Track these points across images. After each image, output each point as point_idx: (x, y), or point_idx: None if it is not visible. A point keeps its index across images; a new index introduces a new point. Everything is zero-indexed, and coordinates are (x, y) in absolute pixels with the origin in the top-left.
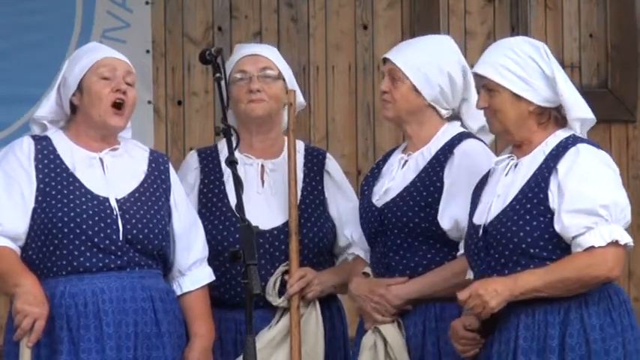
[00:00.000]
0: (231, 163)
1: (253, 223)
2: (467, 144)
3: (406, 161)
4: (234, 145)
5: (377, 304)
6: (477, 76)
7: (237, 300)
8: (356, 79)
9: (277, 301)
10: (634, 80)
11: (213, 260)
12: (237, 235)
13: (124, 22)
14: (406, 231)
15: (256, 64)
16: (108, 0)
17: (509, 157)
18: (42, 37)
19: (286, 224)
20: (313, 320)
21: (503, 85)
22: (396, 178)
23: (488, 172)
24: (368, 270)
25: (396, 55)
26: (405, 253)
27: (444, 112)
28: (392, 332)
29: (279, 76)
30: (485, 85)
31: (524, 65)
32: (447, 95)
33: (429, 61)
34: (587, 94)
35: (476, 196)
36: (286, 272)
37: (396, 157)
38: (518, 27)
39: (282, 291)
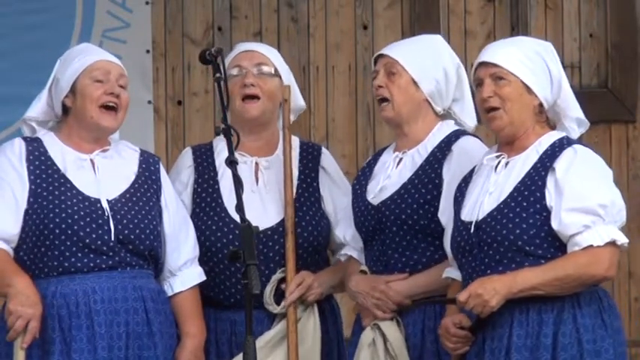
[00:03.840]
0: (232, 163)
1: None
2: (464, 141)
3: (401, 159)
4: (234, 145)
5: (378, 300)
6: (483, 66)
7: (232, 300)
8: (356, 80)
9: (277, 309)
10: (634, 80)
11: (207, 260)
12: (231, 236)
13: (124, 22)
14: (405, 228)
15: (252, 59)
16: (108, 0)
17: (499, 155)
18: (42, 37)
19: (280, 224)
20: (311, 323)
21: (516, 75)
22: (391, 176)
23: (472, 169)
24: (364, 268)
25: (392, 50)
26: (404, 250)
27: (438, 108)
28: (392, 329)
29: (276, 74)
30: (493, 75)
31: (534, 60)
32: (442, 91)
33: (424, 55)
34: (587, 94)
35: (460, 194)
36: (282, 280)
37: (389, 156)
38: (518, 27)
39: (278, 296)
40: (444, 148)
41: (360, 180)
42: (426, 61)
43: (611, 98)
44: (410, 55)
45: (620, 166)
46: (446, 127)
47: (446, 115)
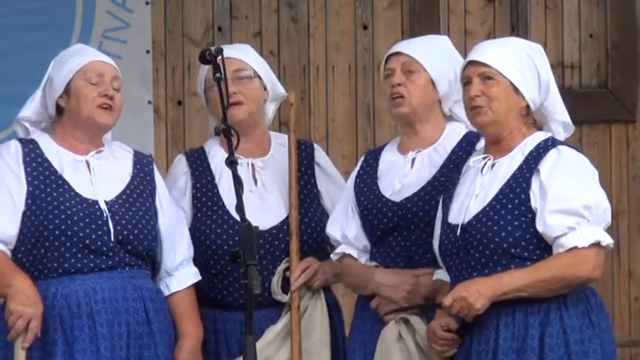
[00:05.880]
0: (232, 163)
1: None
2: (482, 143)
3: (414, 159)
4: (234, 145)
5: (409, 293)
6: (472, 64)
7: (241, 302)
8: (356, 79)
9: (286, 298)
10: (634, 80)
11: (214, 264)
12: (237, 237)
13: (124, 22)
14: (432, 224)
15: (229, 66)
16: (108, 0)
17: (485, 157)
18: (42, 37)
19: (284, 222)
20: (319, 310)
21: (504, 75)
22: (409, 174)
23: (460, 171)
24: (374, 264)
25: (410, 49)
26: (429, 246)
27: (446, 109)
28: (420, 323)
29: (255, 75)
30: (482, 74)
31: (523, 62)
32: (452, 92)
33: (440, 56)
34: (587, 94)
35: (448, 196)
36: (287, 269)
37: (396, 155)
38: (518, 27)
39: (285, 287)
40: (466, 147)
41: (365, 179)
42: (442, 61)
43: (611, 98)
44: (428, 55)
45: (620, 166)
46: (458, 128)
47: (450, 116)
